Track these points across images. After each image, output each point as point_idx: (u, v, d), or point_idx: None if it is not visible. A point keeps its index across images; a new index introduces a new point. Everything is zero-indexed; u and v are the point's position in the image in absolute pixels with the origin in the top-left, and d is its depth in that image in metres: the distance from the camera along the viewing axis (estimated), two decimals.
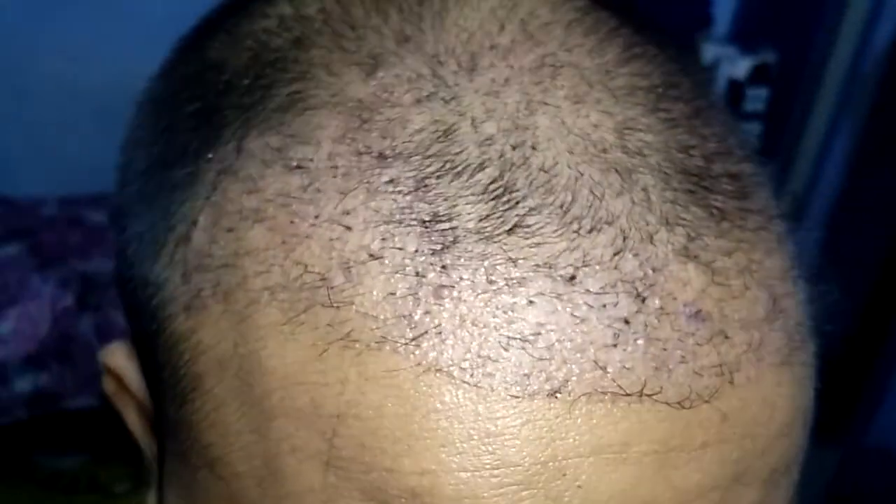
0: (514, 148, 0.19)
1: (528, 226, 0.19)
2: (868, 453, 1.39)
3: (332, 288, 0.19)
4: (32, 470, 1.33)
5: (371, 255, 0.19)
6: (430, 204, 0.19)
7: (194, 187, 0.22)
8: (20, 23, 1.39)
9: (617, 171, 0.19)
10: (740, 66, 1.37)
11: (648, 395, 0.18)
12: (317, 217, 0.19)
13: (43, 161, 1.47)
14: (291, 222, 0.19)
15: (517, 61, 0.21)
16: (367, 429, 0.18)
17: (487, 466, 0.18)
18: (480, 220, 0.19)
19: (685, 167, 0.20)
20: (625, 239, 0.19)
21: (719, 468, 0.19)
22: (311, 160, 0.20)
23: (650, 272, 0.19)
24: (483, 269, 0.18)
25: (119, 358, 0.28)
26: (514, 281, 0.18)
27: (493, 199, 0.19)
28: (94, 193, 1.38)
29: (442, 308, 0.18)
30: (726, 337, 0.19)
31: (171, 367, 0.22)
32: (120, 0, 1.39)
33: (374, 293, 0.18)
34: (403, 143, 0.19)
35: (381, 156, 0.19)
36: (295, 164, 0.20)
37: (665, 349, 0.18)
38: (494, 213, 0.19)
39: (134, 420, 0.29)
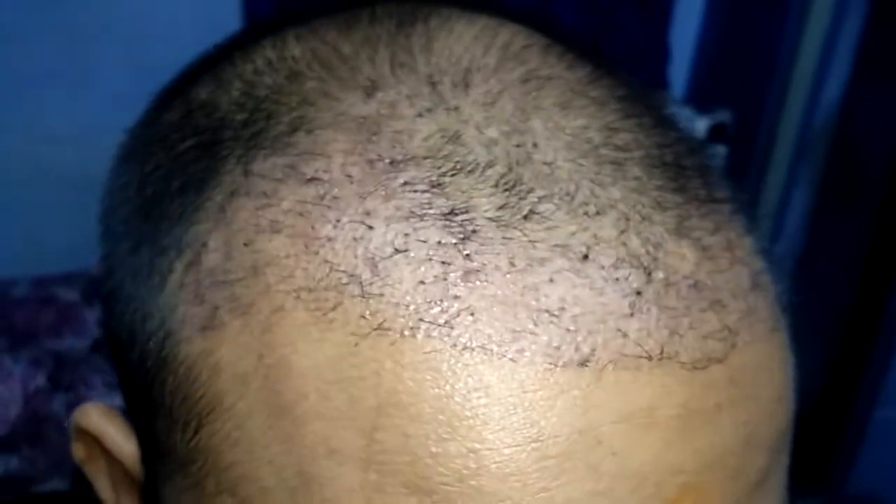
0: (517, 146, 0.21)
1: (541, 212, 0.20)
2: (849, 501, 1.39)
3: (360, 283, 0.19)
4: None
5: (396, 250, 0.20)
6: (448, 199, 0.20)
7: (198, 215, 0.22)
8: None
9: (609, 163, 0.21)
10: (698, 126, 1.41)
11: (668, 358, 0.20)
12: (338, 220, 0.20)
13: (14, 242, 1.46)
14: (312, 227, 0.20)
15: (506, 76, 0.23)
16: (408, 416, 0.19)
17: (529, 440, 0.19)
18: (497, 210, 0.20)
19: (663, 161, 0.22)
20: (627, 220, 0.20)
21: (732, 431, 0.21)
22: (325, 172, 0.21)
23: (651, 249, 0.20)
24: (505, 253, 0.19)
25: (94, 417, 0.28)
26: (535, 261, 0.19)
27: (505, 192, 0.20)
28: (67, 272, 1.38)
29: (471, 290, 0.19)
30: (723, 305, 0.21)
31: (183, 394, 0.22)
32: (91, 80, 1.41)
33: (404, 283, 0.19)
34: (414, 148, 0.21)
35: (393, 162, 0.21)
36: (308, 177, 0.21)
37: (674, 317, 0.20)
38: (509, 203, 0.20)
39: (106, 487, 0.29)
